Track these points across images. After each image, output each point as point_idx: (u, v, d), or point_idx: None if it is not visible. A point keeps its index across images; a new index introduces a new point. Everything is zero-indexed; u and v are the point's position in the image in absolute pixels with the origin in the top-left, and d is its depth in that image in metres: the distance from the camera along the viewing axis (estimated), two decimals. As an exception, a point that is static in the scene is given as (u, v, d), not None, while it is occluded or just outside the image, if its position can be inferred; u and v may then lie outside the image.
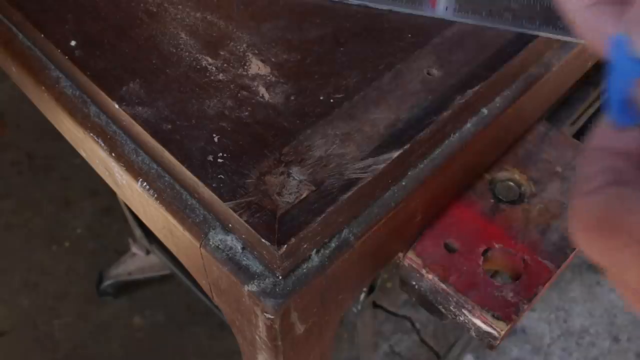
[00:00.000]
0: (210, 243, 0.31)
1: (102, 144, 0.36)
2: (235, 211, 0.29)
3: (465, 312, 0.37)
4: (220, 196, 0.30)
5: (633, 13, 0.23)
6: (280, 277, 0.30)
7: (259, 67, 0.36)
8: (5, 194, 1.44)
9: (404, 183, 0.34)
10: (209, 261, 0.32)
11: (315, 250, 0.31)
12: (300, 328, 0.33)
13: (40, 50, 0.40)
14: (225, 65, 0.36)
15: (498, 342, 0.37)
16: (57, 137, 0.43)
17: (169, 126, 0.33)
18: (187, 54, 0.36)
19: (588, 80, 0.54)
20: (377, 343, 0.94)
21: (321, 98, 0.34)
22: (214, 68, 0.36)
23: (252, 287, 0.30)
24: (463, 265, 0.38)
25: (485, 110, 0.38)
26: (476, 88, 0.35)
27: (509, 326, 0.36)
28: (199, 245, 0.31)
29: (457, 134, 0.36)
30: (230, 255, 0.31)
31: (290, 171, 0.31)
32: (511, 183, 0.42)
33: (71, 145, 0.41)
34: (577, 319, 1.24)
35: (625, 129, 0.22)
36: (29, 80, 0.40)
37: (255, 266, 0.31)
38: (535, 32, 0.36)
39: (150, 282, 1.29)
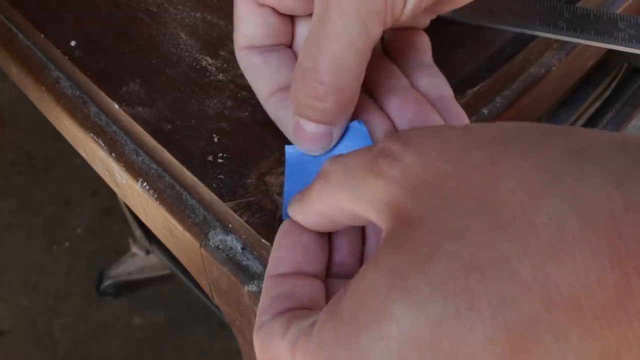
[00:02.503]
0: (210, 243, 0.31)
1: (102, 144, 0.36)
2: (235, 211, 0.29)
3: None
4: (220, 196, 0.30)
5: (291, 95, 0.28)
6: (280, 277, 0.30)
7: (259, 67, 0.36)
8: (5, 194, 1.44)
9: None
10: (209, 261, 0.32)
11: (315, 250, 0.31)
12: (300, 328, 0.33)
13: (40, 50, 0.40)
14: (225, 65, 0.36)
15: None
16: (57, 137, 0.43)
17: (169, 126, 0.33)
18: (187, 54, 0.36)
19: (588, 80, 0.54)
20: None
21: (321, 98, 0.34)
22: (214, 68, 0.36)
23: (253, 287, 0.30)
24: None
25: (485, 111, 0.38)
26: (476, 88, 0.35)
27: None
28: (199, 246, 0.32)
29: (457, 134, 0.36)
30: (230, 255, 0.31)
31: (290, 171, 0.31)
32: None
33: (71, 145, 0.41)
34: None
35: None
36: (29, 80, 0.40)
37: (256, 266, 0.31)
38: (535, 32, 0.36)
39: (150, 282, 1.29)
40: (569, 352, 0.16)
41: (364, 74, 0.26)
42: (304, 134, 0.28)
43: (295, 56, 0.31)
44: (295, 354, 0.20)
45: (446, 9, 0.29)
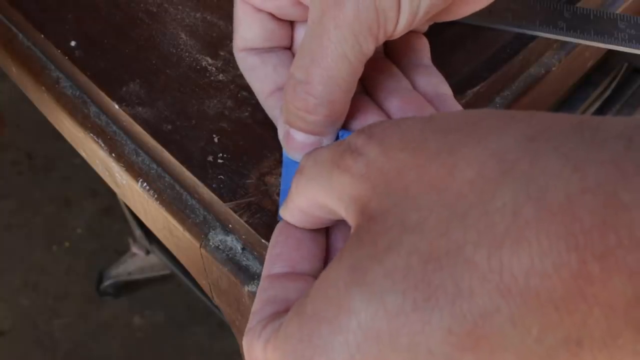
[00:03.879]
0: (210, 243, 0.31)
1: (102, 144, 0.36)
2: (235, 212, 0.29)
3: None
4: (220, 197, 0.30)
5: (282, 104, 0.28)
6: (280, 278, 0.30)
7: (259, 68, 0.36)
8: (5, 194, 1.44)
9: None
10: (209, 261, 0.32)
11: (315, 250, 0.31)
12: (300, 328, 0.33)
13: (40, 50, 0.40)
14: (225, 65, 0.36)
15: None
16: (57, 137, 0.43)
17: (169, 126, 0.33)
18: (187, 54, 0.36)
19: (588, 80, 0.54)
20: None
21: (321, 98, 0.34)
22: (214, 68, 0.36)
23: (253, 287, 0.30)
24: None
25: (485, 111, 0.38)
26: (476, 88, 0.35)
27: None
28: (199, 246, 0.32)
29: (457, 134, 0.36)
30: (230, 255, 0.31)
31: (290, 171, 0.31)
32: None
33: (71, 145, 0.41)
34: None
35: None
36: (29, 80, 0.40)
37: (256, 266, 0.31)
38: (535, 32, 0.36)
39: (150, 282, 1.29)
40: (529, 340, 0.16)
41: (355, 87, 0.27)
42: (294, 143, 0.28)
43: (293, 57, 0.32)
44: (266, 351, 0.21)
45: (443, 19, 0.29)
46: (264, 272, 0.25)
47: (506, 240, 0.16)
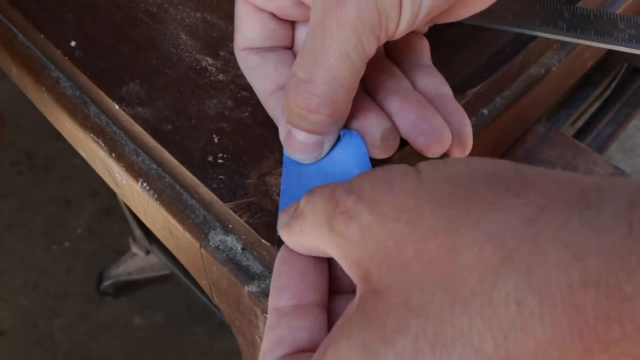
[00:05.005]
0: (211, 243, 0.31)
1: (102, 145, 0.36)
2: (235, 212, 0.29)
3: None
4: (220, 197, 0.30)
5: (284, 104, 0.28)
6: (280, 278, 0.30)
7: (259, 68, 0.36)
8: (5, 194, 1.44)
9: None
10: (209, 261, 0.32)
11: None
12: (300, 328, 0.33)
13: (40, 50, 0.40)
14: (225, 65, 0.36)
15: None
16: (57, 137, 0.43)
17: (169, 126, 0.33)
18: (187, 54, 0.36)
19: (588, 80, 0.54)
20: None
21: (321, 98, 0.34)
22: (214, 68, 0.36)
23: (253, 287, 0.30)
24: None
25: (485, 111, 0.38)
26: (476, 88, 0.35)
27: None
28: (199, 246, 0.32)
29: (457, 134, 0.36)
30: (230, 255, 0.31)
31: (291, 171, 0.31)
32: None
33: (71, 145, 0.41)
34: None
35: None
36: (29, 80, 0.40)
37: (256, 267, 0.31)
38: (535, 33, 0.36)
39: (150, 282, 1.29)
40: None
41: (357, 87, 0.27)
42: (295, 143, 0.28)
43: (294, 57, 0.32)
44: None
45: (444, 20, 0.29)
46: (271, 304, 0.25)
47: (512, 330, 0.16)
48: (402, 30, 0.26)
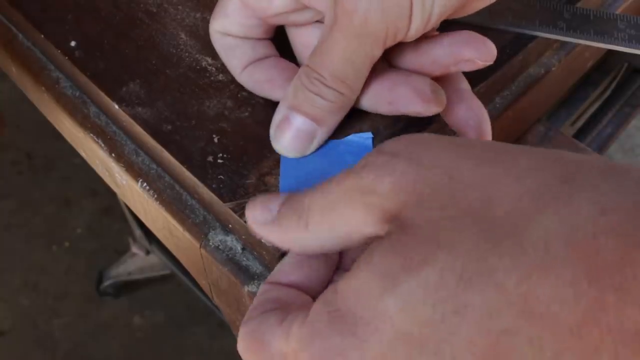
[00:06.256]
0: (210, 243, 0.31)
1: (102, 145, 0.36)
2: (235, 212, 0.29)
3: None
4: (220, 197, 0.30)
5: (289, 90, 0.30)
6: (280, 278, 0.30)
7: (259, 68, 0.36)
8: (5, 194, 1.44)
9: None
10: (209, 261, 0.32)
11: (315, 250, 0.31)
12: (300, 328, 0.33)
13: (40, 50, 0.40)
14: (225, 65, 0.36)
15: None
16: (57, 137, 0.43)
17: (169, 127, 0.33)
18: (187, 54, 0.36)
19: (588, 80, 0.54)
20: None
21: (321, 98, 0.34)
22: (213, 68, 0.36)
23: (252, 287, 0.30)
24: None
25: (485, 111, 0.38)
26: (476, 89, 0.35)
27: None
28: (199, 246, 0.32)
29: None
30: (230, 255, 0.31)
31: (290, 171, 0.31)
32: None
33: (71, 145, 0.41)
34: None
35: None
36: (29, 81, 0.40)
37: (256, 267, 0.31)
38: (535, 33, 0.36)
39: (150, 282, 1.29)
40: None
41: (362, 84, 0.29)
42: (289, 129, 0.30)
43: (271, 40, 0.33)
44: (289, 342, 0.21)
45: (454, 17, 0.30)
46: (267, 280, 0.25)
47: (536, 270, 0.17)
48: (412, 36, 0.28)
